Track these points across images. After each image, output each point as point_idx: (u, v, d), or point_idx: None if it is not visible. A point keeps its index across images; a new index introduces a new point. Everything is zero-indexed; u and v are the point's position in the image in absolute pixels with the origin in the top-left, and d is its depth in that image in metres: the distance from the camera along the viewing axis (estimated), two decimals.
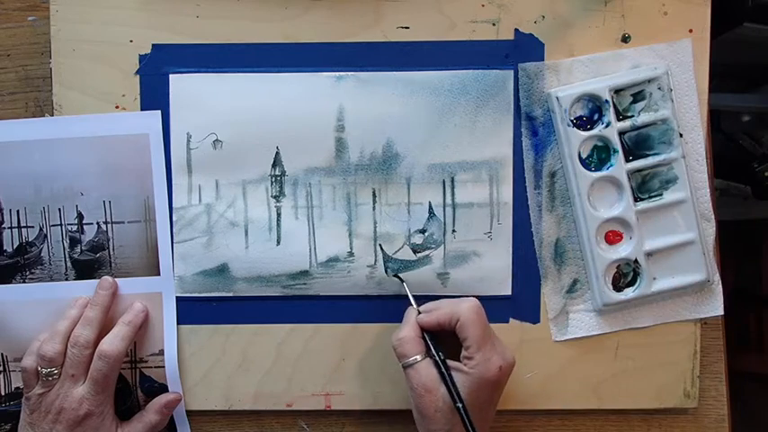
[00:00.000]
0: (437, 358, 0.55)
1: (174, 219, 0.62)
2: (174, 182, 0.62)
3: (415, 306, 0.59)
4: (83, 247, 0.62)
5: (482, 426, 0.55)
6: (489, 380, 0.54)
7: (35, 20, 0.63)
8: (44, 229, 0.62)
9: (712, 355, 0.63)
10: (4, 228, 0.62)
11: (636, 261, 0.60)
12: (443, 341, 0.56)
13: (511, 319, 0.62)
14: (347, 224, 0.62)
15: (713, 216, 0.62)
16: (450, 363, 0.55)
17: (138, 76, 0.62)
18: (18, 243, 0.62)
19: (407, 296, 0.60)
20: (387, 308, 0.62)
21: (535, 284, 0.62)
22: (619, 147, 0.59)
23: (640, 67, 0.60)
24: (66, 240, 0.62)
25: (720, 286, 0.62)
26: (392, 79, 0.61)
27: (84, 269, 0.62)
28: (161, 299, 0.62)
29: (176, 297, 0.62)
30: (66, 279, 0.62)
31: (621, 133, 0.60)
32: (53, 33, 0.61)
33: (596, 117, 0.60)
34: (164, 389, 0.62)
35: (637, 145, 0.60)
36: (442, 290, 0.62)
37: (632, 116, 0.60)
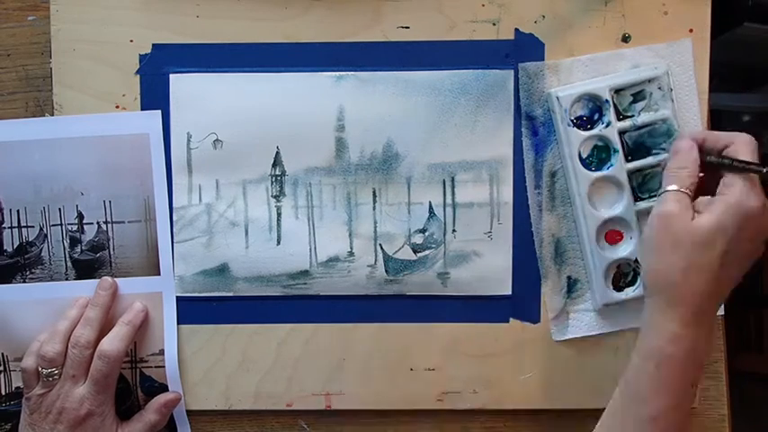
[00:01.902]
0: (722, 157, 0.49)
1: (174, 218, 0.62)
2: (174, 182, 0.62)
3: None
4: (83, 247, 0.62)
5: (719, 287, 0.48)
6: (750, 211, 0.46)
7: (35, 20, 0.63)
8: (44, 229, 0.62)
9: (712, 355, 0.63)
10: (4, 228, 0.62)
11: (636, 261, 0.60)
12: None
13: (511, 319, 0.62)
14: (347, 224, 0.62)
15: None
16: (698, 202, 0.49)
17: (138, 75, 0.62)
18: (18, 243, 0.62)
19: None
20: (387, 308, 0.62)
21: (535, 284, 0.62)
22: (619, 146, 0.59)
23: (640, 66, 0.60)
24: (66, 240, 0.62)
25: None
26: (392, 79, 0.61)
27: (85, 269, 0.62)
28: (161, 299, 0.62)
29: (176, 297, 0.62)
30: (67, 279, 0.62)
31: (622, 133, 0.60)
32: (53, 33, 0.61)
33: (596, 117, 0.60)
34: (164, 389, 0.62)
35: (637, 145, 0.60)
36: (442, 290, 0.62)
37: (632, 116, 0.60)
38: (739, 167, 0.48)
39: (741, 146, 0.49)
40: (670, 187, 0.49)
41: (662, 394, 0.47)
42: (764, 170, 0.48)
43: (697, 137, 0.52)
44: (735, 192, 0.47)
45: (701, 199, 0.49)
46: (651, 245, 0.50)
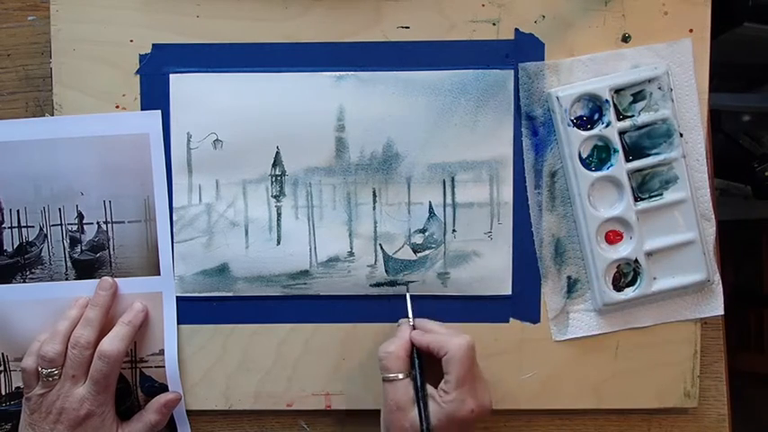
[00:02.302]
0: (417, 381, 0.55)
1: (174, 218, 0.62)
2: (174, 182, 0.62)
3: (411, 322, 0.59)
4: (83, 247, 0.62)
5: None
6: (459, 419, 0.54)
7: (35, 20, 0.63)
8: (44, 229, 0.62)
9: (712, 355, 0.63)
10: (4, 228, 0.62)
11: (636, 261, 0.60)
12: (430, 361, 0.56)
13: (511, 319, 0.62)
14: (347, 224, 0.62)
15: (713, 216, 0.62)
16: (428, 388, 0.55)
17: (138, 75, 0.62)
18: (18, 243, 0.62)
19: (407, 307, 0.60)
20: (387, 308, 0.62)
21: (535, 284, 0.62)
22: (619, 146, 0.59)
23: (640, 66, 0.60)
24: (66, 240, 0.62)
25: (720, 286, 0.62)
26: (392, 79, 0.61)
27: (85, 269, 0.62)
28: (161, 299, 0.62)
29: (176, 297, 0.62)
30: (67, 279, 0.62)
31: (622, 133, 0.60)
32: (53, 33, 0.61)
33: (596, 117, 0.60)
34: (164, 389, 0.62)
35: (637, 145, 0.60)
36: (442, 290, 0.62)
37: (632, 116, 0.60)
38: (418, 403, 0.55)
39: (452, 361, 0.54)
40: (389, 375, 0.56)
41: None
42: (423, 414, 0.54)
43: (421, 343, 0.57)
44: (445, 403, 0.55)
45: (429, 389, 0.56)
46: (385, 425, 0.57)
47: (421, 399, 0.55)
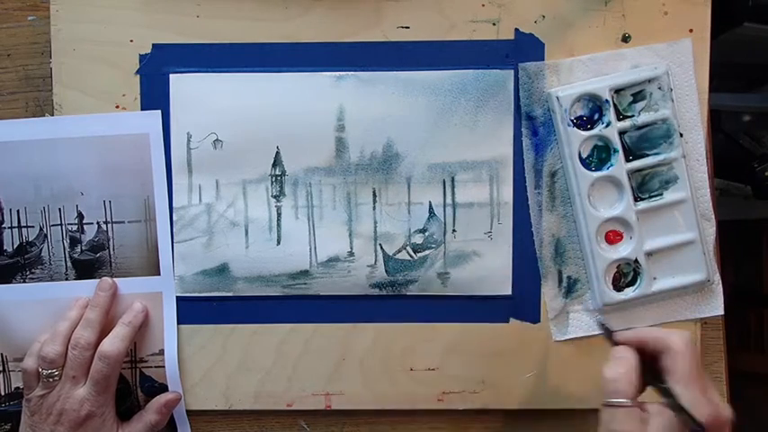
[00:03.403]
0: (665, 387, 0.47)
1: (174, 218, 0.62)
2: (174, 182, 0.62)
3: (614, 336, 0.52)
4: (83, 247, 0.62)
5: None
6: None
7: (35, 19, 0.63)
8: (44, 229, 0.62)
9: (712, 355, 0.63)
10: (4, 228, 0.62)
11: (636, 261, 0.60)
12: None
13: (511, 319, 0.62)
14: (347, 224, 0.62)
15: (713, 216, 0.62)
16: (647, 404, 0.47)
17: (138, 75, 0.62)
18: (18, 243, 0.62)
19: (608, 332, 0.54)
20: (387, 308, 0.62)
21: (535, 284, 0.62)
22: (619, 146, 0.59)
23: (640, 66, 0.60)
24: (66, 240, 0.62)
25: (720, 286, 0.62)
26: (392, 79, 0.61)
27: (85, 269, 0.62)
28: (161, 299, 0.62)
29: (176, 297, 0.62)
30: (67, 279, 0.62)
31: (622, 133, 0.60)
32: (53, 33, 0.61)
33: (596, 117, 0.60)
34: (164, 389, 0.62)
35: (637, 145, 0.60)
36: (442, 290, 0.62)
37: (632, 116, 0.60)
38: (674, 407, 0.46)
39: (676, 356, 0.47)
40: (617, 400, 0.48)
41: None
42: (698, 425, 0.45)
43: (632, 340, 0.50)
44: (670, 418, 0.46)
45: (650, 407, 0.48)
46: None
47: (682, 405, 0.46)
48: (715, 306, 0.62)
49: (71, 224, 0.62)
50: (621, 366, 0.48)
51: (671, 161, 0.60)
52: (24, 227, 0.62)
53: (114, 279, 0.62)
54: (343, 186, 0.62)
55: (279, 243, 0.62)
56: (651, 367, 0.49)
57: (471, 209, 0.62)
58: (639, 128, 0.60)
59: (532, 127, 0.61)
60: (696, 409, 0.45)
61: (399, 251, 0.62)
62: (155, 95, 0.61)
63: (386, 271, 0.62)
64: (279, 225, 0.62)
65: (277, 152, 0.61)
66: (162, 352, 0.62)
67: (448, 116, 0.61)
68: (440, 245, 0.62)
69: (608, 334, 0.53)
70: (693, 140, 0.61)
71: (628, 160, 0.60)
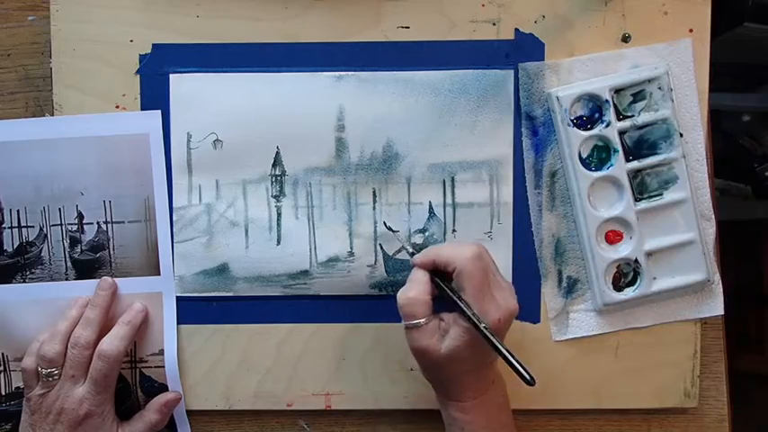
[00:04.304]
0: (453, 294, 0.53)
1: (174, 218, 0.62)
2: (174, 182, 0.62)
3: (414, 255, 0.56)
4: (83, 247, 0.62)
5: (482, 380, 0.54)
6: (475, 341, 0.51)
7: (35, 20, 0.63)
8: (44, 229, 0.62)
9: (712, 355, 0.63)
10: (5, 228, 0.62)
11: (636, 261, 0.60)
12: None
13: None
14: (347, 224, 0.62)
15: (713, 216, 0.62)
16: (444, 315, 0.53)
17: (138, 75, 0.62)
18: (18, 243, 0.62)
19: (403, 248, 0.60)
20: (387, 308, 0.62)
21: (535, 284, 0.62)
22: (619, 146, 0.59)
23: (640, 66, 0.60)
24: (66, 240, 0.62)
25: (720, 286, 0.62)
26: (392, 79, 0.61)
27: (85, 269, 0.62)
28: (161, 299, 0.62)
29: (176, 297, 0.62)
30: (67, 279, 0.62)
31: (622, 133, 0.60)
32: (53, 33, 0.61)
33: (596, 117, 0.60)
34: (164, 389, 0.62)
35: (637, 145, 0.60)
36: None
37: (632, 116, 0.60)
38: (467, 318, 0.52)
39: (462, 275, 0.52)
40: (413, 322, 0.53)
41: None
42: (482, 325, 0.51)
43: (425, 262, 0.54)
44: (467, 322, 0.52)
45: (446, 317, 0.53)
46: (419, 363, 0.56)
47: (462, 304, 0.52)
48: (715, 306, 0.62)
49: (71, 224, 0.62)
50: (413, 290, 0.53)
51: (671, 161, 0.60)
52: (24, 227, 0.62)
53: (114, 279, 0.62)
54: (343, 186, 0.62)
55: (279, 243, 0.62)
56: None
57: (471, 209, 0.62)
58: (639, 128, 0.60)
59: (532, 127, 0.61)
60: (487, 316, 0.51)
61: (399, 251, 0.62)
62: (155, 95, 0.61)
63: (386, 271, 0.62)
64: (279, 225, 0.62)
65: (277, 152, 0.61)
66: (162, 352, 0.62)
67: (448, 116, 0.61)
68: None
69: (411, 256, 0.56)
70: (693, 140, 0.61)
71: (628, 160, 0.60)
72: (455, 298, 0.52)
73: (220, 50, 0.61)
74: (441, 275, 0.54)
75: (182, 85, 0.61)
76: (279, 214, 0.62)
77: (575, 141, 0.60)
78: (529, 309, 0.62)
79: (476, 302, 0.51)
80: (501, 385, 0.57)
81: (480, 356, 0.53)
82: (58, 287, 0.62)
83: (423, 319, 0.53)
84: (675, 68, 0.60)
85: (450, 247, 0.54)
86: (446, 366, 0.53)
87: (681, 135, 0.60)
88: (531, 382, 0.49)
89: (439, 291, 0.54)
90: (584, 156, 0.60)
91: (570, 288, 0.62)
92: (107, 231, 0.62)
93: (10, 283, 0.62)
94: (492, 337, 0.50)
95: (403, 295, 0.54)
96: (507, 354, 0.50)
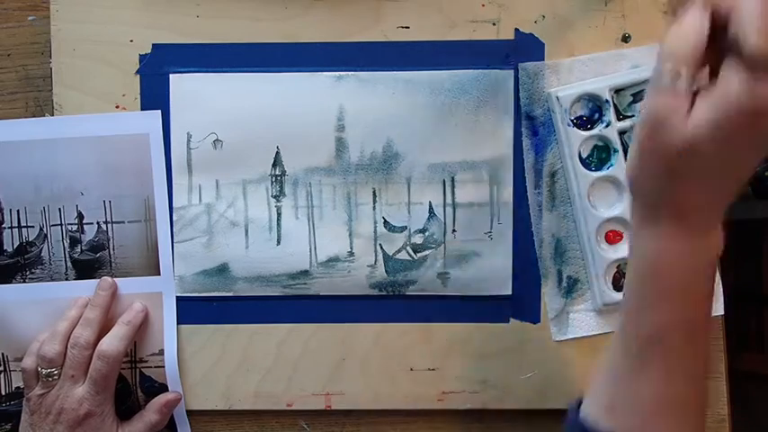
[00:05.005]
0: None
1: (174, 218, 0.62)
2: (174, 182, 0.62)
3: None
4: (83, 247, 0.62)
5: (715, 196, 0.39)
6: (752, 109, 0.34)
7: (35, 20, 0.63)
8: (44, 229, 0.62)
9: (712, 355, 0.63)
10: (4, 228, 0.62)
11: None
12: None
13: (511, 319, 0.62)
14: (347, 224, 0.62)
15: None
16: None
17: (138, 75, 0.62)
18: (18, 243, 0.62)
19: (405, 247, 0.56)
20: (387, 308, 0.62)
21: (535, 284, 0.62)
22: (619, 146, 0.59)
23: (640, 66, 0.60)
24: (66, 240, 0.62)
25: (720, 286, 0.62)
26: (392, 79, 0.61)
27: (85, 269, 0.62)
28: (161, 299, 0.62)
29: (176, 297, 0.62)
30: (67, 279, 0.62)
31: (622, 133, 0.60)
32: (53, 33, 0.61)
33: (596, 117, 0.60)
34: (164, 389, 0.62)
35: None
36: (443, 290, 0.62)
37: (632, 116, 0.60)
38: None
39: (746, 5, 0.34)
40: (679, 77, 0.37)
41: (658, 307, 0.41)
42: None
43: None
44: (734, 84, 0.35)
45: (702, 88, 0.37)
46: (636, 147, 0.40)
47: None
48: (715, 306, 0.62)
49: (71, 224, 0.62)
50: (691, 33, 0.37)
51: None
52: (24, 227, 0.62)
53: (114, 279, 0.62)
54: (343, 186, 0.62)
55: (279, 243, 0.62)
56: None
57: (471, 209, 0.62)
58: None
59: (532, 127, 0.61)
60: (757, 88, 0.34)
61: (399, 251, 0.62)
62: (155, 95, 0.61)
63: (386, 271, 0.62)
64: (279, 225, 0.62)
65: (277, 152, 0.61)
66: (162, 352, 0.62)
67: (448, 116, 0.61)
68: (440, 245, 0.62)
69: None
70: None
71: None
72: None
73: (220, 50, 0.61)
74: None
75: (182, 85, 0.61)
76: (279, 214, 0.62)
77: (575, 141, 0.60)
78: (529, 309, 0.62)
79: (752, 65, 0.34)
80: (718, 245, 0.41)
81: (735, 153, 0.37)
82: (58, 287, 0.62)
83: (687, 76, 0.36)
84: None
85: None
86: (685, 155, 0.37)
87: None
88: None
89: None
90: (584, 156, 0.60)
91: (570, 288, 0.62)
92: (107, 231, 0.62)
93: (10, 283, 0.62)
94: None
95: (678, 33, 0.37)
96: None
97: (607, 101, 0.59)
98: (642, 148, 0.39)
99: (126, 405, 0.62)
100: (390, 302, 0.62)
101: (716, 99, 0.36)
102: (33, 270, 0.62)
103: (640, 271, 0.42)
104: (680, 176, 0.38)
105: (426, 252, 0.62)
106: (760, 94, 0.34)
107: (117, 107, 0.62)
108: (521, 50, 0.61)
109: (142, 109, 0.62)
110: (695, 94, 0.37)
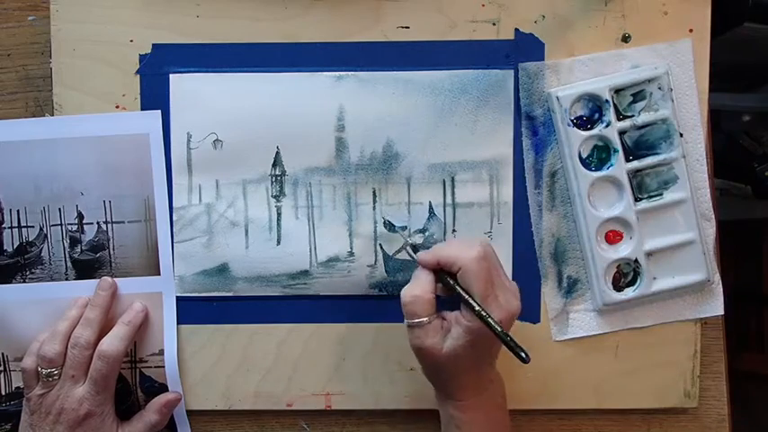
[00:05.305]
0: (463, 293, 0.52)
1: (174, 218, 0.62)
2: (174, 182, 0.62)
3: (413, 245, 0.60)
4: (83, 247, 0.62)
5: (482, 379, 0.55)
6: (488, 334, 0.51)
7: (35, 20, 0.63)
8: (44, 229, 0.62)
9: (712, 355, 0.63)
10: (5, 228, 0.62)
11: (636, 261, 0.60)
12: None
13: None
14: (347, 224, 0.62)
15: (713, 216, 0.62)
16: (446, 314, 0.54)
17: (138, 75, 0.62)
18: (18, 243, 0.62)
19: (405, 246, 0.61)
20: (387, 308, 0.62)
21: (535, 284, 0.62)
22: (619, 146, 0.59)
23: (640, 66, 0.60)
24: (66, 240, 0.62)
25: (720, 286, 0.62)
26: (392, 79, 0.61)
27: (85, 269, 0.62)
28: (161, 299, 0.62)
29: (176, 297, 0.62)
30: (67, 279, 0.62)
31: (622, 133, 0.60)
32: (53, 33, 0.61)
33: (596, 117, 0.60)
34: (164, 389, 0.62)
35: (637, 145, 0.60)
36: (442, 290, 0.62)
37: (632, 116, 0.60)
38: (469, 311, 0.52)
39: (468, 275, 0.52)
40: (416, 320, 0.53)
41: None
42: (498, 327, 0.51)
43: (429, 261, 0.54)
44: (469, 321, 0.52)
45: (449, 316, 0.54)
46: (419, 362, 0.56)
47: (474, 304, 0.51)
48: (715, 306, 0.62)
49: (71, 224, 0.62)
50: (417, 288, 0.53)
51: (671, 161, 0.60)
52: (24, 227, 0.62)
53: (114, 279, 0.62)
54: (343, 186, 0.62)
55: (279, 243, 0.62)
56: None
57: (471, 209, 0.62)
58: (639, 128, 0.60)
59: (532, 127, 0.61)
60: (492, 314, 0.51)
61: (399, 251, 0.62)
62: (155, 95, 0.61)
63: (386, 271, 0.62)
64: (279, 225, 0.62)
65: (277, 152, 0.61)
66: (162, 352, 0.62)
67: (448, 116, 0.61)
68: None
69: (413, 255, 0.58)
70: (693, 140, 0.61)
71: (628, 160, 0.60)
72: (459, 290, 0.53)
73: (220, 50, 0.61)
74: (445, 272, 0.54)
75: (182, 85, 0.61)
76: (279, 214, 0.62)
77: (575, 141, 0.60)
78: (529, 309, 0.62)
79: (482, 303, 0.52)
80: (500, 385, 0.57)
81: (481, 356, 0.54)
82: (58, 287, 0.62)
83: (425, 318, 0.53)
84: (675, 68, 0.60)
85: (455, 246, 0.54)
86: (447, 365, 0.53)
87: (681, 135, 0.60)
88: (525, 360, 0.51)
89: (444, 286, 0.54)
90: (584, 156, 0.60)
91: (570, 288, 0.62)
92: (107, 231, 0.62)
93: (10, 283, 0.62)
94: (495, 324, 0.51)
95: (407, 293, 0.54)
96: (507, 338, 0.51)
97: (607, 101, 0.59)
98: (420, 362, 0.55)
99: (126, 405, 0.62)
100: (390, 302, 0.62)
101: (459, 332, 0.52)
102: (33, 270, 0.62)
103: (455, 421, 0.55)
104: (447, 371, 0.54)
105: None
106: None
107: (117, 107, 0.62)
108: (521, 50, 0.61)
109: (142, 109, 0.62)
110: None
